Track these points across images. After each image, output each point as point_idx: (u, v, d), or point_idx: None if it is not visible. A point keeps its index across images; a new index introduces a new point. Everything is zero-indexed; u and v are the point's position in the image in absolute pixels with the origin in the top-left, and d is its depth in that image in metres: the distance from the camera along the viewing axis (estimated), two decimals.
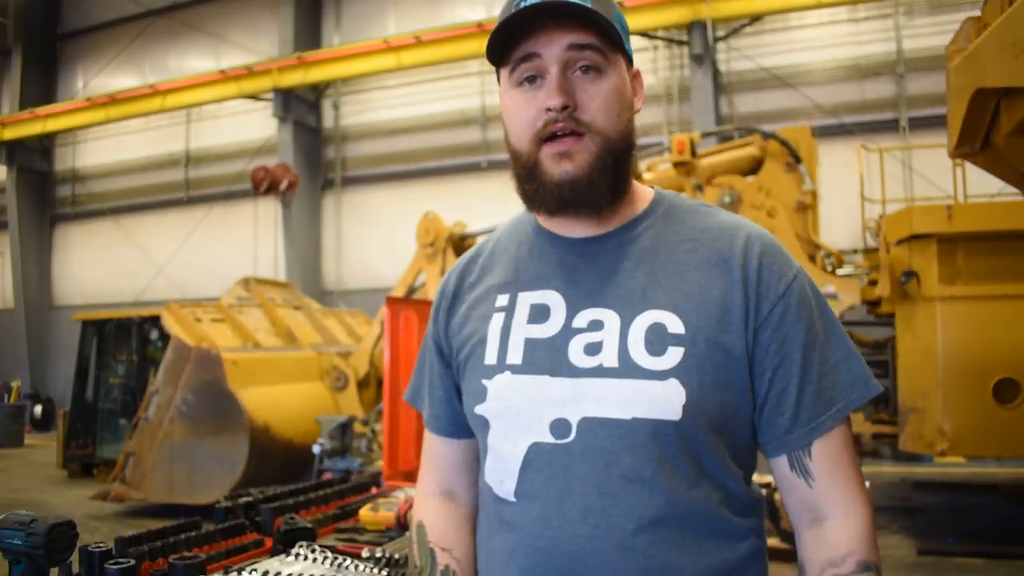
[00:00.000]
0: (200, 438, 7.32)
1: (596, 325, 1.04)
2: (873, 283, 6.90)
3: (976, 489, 7.67)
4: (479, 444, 1.15)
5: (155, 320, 9.08)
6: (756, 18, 12.29)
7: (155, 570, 1.73)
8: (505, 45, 1.04)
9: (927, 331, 6.08)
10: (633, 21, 12.20)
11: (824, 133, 10.19)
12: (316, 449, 7.01)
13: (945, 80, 3.53)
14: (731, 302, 1.03)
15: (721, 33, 12.48)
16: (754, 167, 7.68)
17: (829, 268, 7.45)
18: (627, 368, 1.00)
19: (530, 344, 1.06)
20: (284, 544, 1.90)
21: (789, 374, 1.03)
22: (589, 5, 1.00)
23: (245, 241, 15.71)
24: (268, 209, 15.25)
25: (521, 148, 1.05)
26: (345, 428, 7.17)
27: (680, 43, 12.81)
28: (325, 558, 1.79)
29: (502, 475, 1.07)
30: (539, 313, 1.08)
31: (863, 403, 1.05)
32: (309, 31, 15.71)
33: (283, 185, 14.36)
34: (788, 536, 2.74)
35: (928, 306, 6.08)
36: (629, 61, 1.09)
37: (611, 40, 1.03)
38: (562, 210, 1.06)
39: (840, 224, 9.94)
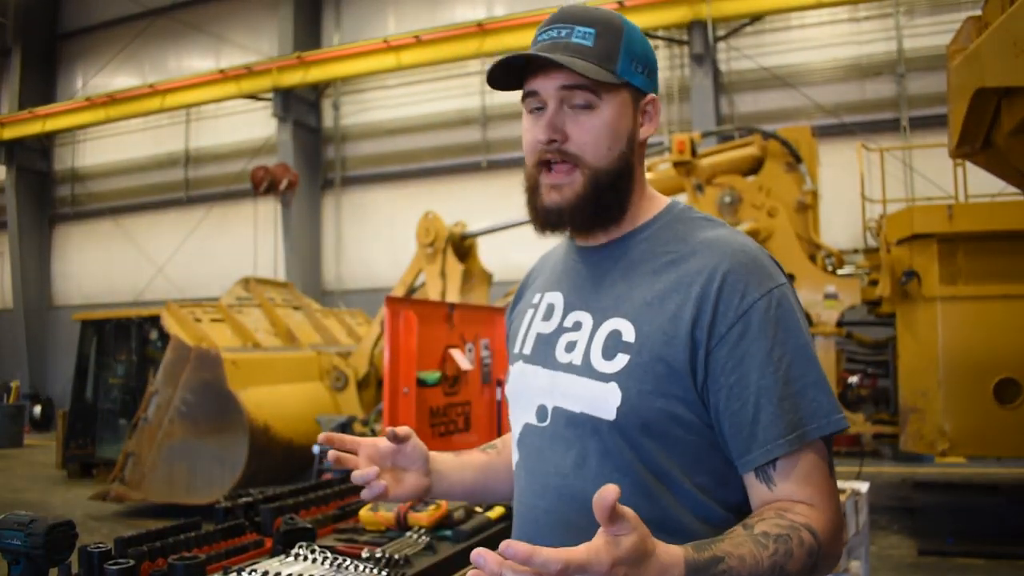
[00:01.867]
0: (200, 438, 7.32)
1: (577, 326, 1.17)
2: (874, 283, 6.90)
3: (976, 489, 7.67)
4: None
5: (155, 320, 9.08)
6: (756, 18, 12.28)
7: (155, 570, 1.72)
8: (520, 77, 1.18)
9: (928, 331, 6.08)
10: (633, 21, 12.19)
11: (824, 133, 10.19)
12: (316, 449, 6.99)
13: (946, 80, 3.53)
14: (681, 317, 1.06)
15: (721, 33, 12.48)
16: (754, 167, 7.68)
17: (829, 268, 7.44)
18: (585, 368, 1.12)
19: (538, 338, 1.23)
20: (284, 544, 1.89)
21: (746, 393, 1.03)
22: (580, 54, 1.10)
23: (245, 241, 15.69)
24: (268, 209, 15.24)
25: (529, 168, 1.19)
26: (345, 428, 7.16)
27: (680, 43, 12.80)
28: (325, 558, 1.78)
29: (512, 449, 1.26)
30: (548, 311, 1.24)
31: (824, 435, 1.02)
32: (309, 31, 15.71)
33: (283, 185, 14.35)
34: None
35: (929, 306, 6.08)
36: (640, 90, 1.16)
37: (603, 80, 1.11)
38: (545, 231, 1.20)
39: (840, 224, 9.94)
